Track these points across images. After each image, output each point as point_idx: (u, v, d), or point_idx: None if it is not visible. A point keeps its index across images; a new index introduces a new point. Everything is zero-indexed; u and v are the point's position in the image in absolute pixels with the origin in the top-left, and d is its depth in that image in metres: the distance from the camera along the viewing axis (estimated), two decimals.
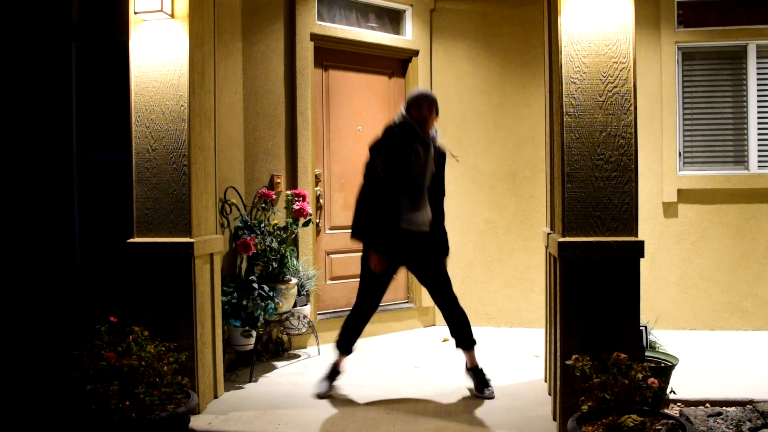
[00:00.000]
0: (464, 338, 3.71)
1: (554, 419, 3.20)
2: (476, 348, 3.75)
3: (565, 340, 2.99)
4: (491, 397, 3.58)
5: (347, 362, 3.84)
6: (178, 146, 3.35)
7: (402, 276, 5.14)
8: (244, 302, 3.92)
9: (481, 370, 3.70)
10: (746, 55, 5.07)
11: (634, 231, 2.98)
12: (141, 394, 2.79)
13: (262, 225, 4.27)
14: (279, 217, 4.49)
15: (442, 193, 3.77)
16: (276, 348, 4.56)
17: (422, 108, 3.57)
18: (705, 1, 5.10)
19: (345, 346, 3.78)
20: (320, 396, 3.64)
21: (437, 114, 3.66)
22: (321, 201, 4.97)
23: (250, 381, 3.95)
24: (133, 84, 3.39)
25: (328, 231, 5.04)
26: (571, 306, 2.98)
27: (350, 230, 3.61)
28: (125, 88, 3.46)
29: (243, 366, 4.20)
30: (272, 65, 4.63)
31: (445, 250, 3.74)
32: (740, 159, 5.11)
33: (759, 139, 5.06)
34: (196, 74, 3.41)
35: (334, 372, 3.77)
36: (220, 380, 3.67)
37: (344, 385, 3.84)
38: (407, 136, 3.54)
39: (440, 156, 3.71)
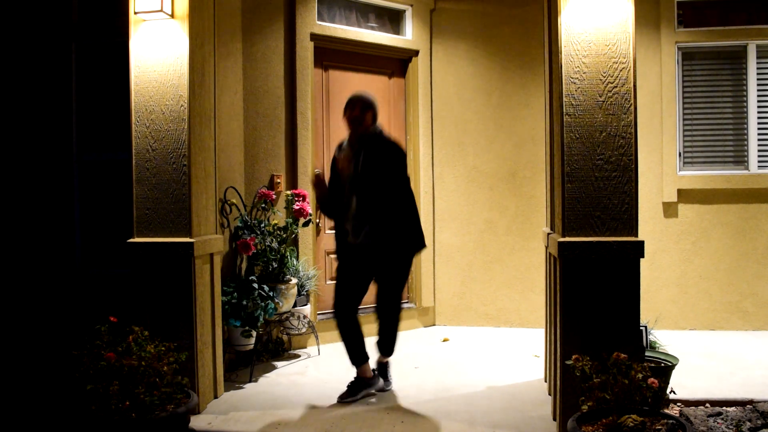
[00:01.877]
0: (388, 345, 3.75)
1: (554, 419, 3.20)
2: (392, 357, 3.82)
3: (565, 340, 2.99)
4: (385, 390, 3.69)
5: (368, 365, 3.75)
6: (178, 146, 3.35)
7: None
8: (244, 302, 3.92)
9: (388, 366, 3.79)
10: (746, 55, 5.06)
11: (634, 231, 2.98)
12: (141, 394, 2.79)
13: (262, 225, 4.27)
14: (279, 217, 4.49)
15: (388, 197, 3.49)
16: (276, 348, 4.56)
17: (347, 110, 3.55)
18: (705, 1, 5.10)
19: (355, 358, 3.66)
20: (342, 401, 3.55)
21: (371, 113, 3.54)
22: None
23: (250, 381, 3.95)
24: (133, 84, 3.39)
25: (328, 231, 5.04)
26: (571, 306, 2.98)
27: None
28: (125, 88, 3.46)
29: (243, 366, 4.20)
30: (272, 65, 4.63)
31: (410, 248, 3.61)
32: (740, 159, 5.11)
33: (759, 139, 5.06)
34: (196, 74, 3.41)
35: (361, 383, 3.63)
36: (220, 380, 3.67)
37: (344, 385, 3.83)
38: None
39: (377, 153, 3.49)
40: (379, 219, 3.49)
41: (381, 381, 3.74)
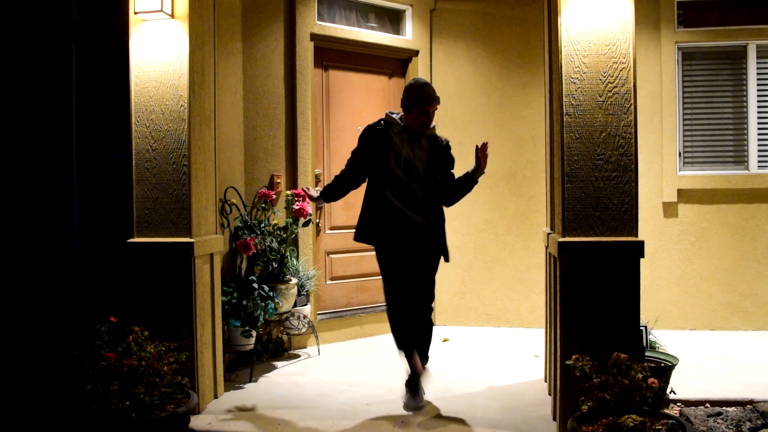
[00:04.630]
0: (422, 353, 3.60)
1: (554, 419, 3.20)
2: (427, 365, 3.64)
3: (565, 340, 2.99)
4: (420, 408, 3.42)
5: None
6: (178, 146, 3.35)
7: None
8: (244, 302, 3.92)
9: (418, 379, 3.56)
10: (746, 55, 5.06)
11: (634, 231, 2.98)
12: (141, 394, 2.79)
13: (262, 225, 4.27)
14: (279, 217, 4.49)
15: (443, 191, 3.58)
16: (276, 348, 4.56)
17: (431, 105, 3.46)
18: (705, 1, 5.10)
19: (401, 342, 3.53)
20: (412, 409, 3.40)
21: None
22: None
23: (250, 381, 3.95)
24: (133, 84, 3.39)
25: (328, 231, 5.04)
26: (571, 306, 2.98)
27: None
28: (125, 88, 3.46)
29: (243, 366, 4.20)
30: (272, 65, 4.63)
31: (442, 252, 3.60)
32: (740, 159, 5.11)
33: (759, 139, 5.06)
34: (196, 74, 3.41)
35: (413, 378, 3.50)
36: (220, 380, 3.67)
37: (344, 385, 3.84)
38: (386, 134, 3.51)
39: (438, 152, 3.55)
40: (438, 209, 3.56)
41: (414, 398, 3.47)
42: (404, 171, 3.47)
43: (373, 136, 3.51)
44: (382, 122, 3.54)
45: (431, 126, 3.53)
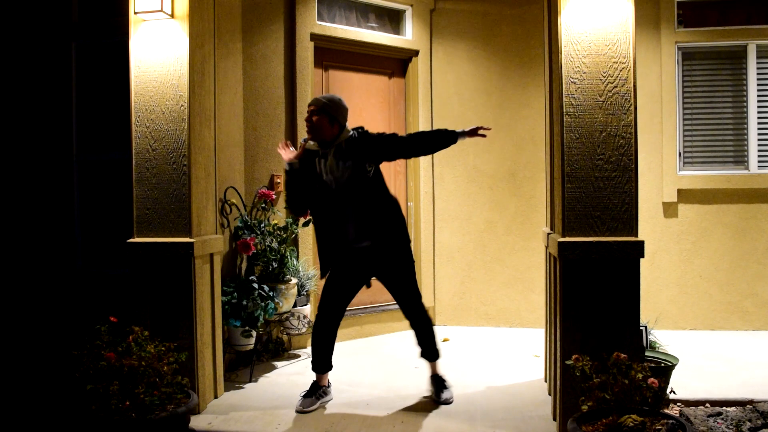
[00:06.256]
0: (429, 349, 3.62)
1: (554, 419, 3.20)
2: (441, 360, 3.65)
3: (565, 340, 2.99)
4: (448, 402, 3.49)
5: (335, 374, 3.65)
6: (178, 146, 3.35)
7: None
8: (244, 302, 3.92)
9: (442, 377, 3.61)
10: (746, 55, 5.06)
11: (634, 231, 2.98)
12: (141, 394, 2.79)
13: (262, 225, 4.28)
14: (279, 217, 4.49)
15: (382, 197, 3.42)
16: (276, 348, 4.56)
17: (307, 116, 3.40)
18: (705, 1, 5.10)
19: (320, 365, 3.55)
20: (300, 412, 3.38)
21: (331, 115, 3.34)
22: None
23: (250, 381, 3.95)
24: (133, 84, 3.39)
25: None
26: (571, 306, 2.99)
27: None
28: (125, 88, 3.46)
29: (243, 366, 4.20)
30: (272, 65, 4.63)
31: (405, 258, 3.46)
32: (740, 159, 5.11)
33: (759, 139, 5.06)
34: (196, 74, 3.41)
35: (316, 388, 3.52)
36: (220, 380, 3.67)
37: (344, 385, 3.84)
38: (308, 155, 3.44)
39: (362, 152, 3.35)
40: (387, 216, 3.42)
41: (442, 393, 3.54)
42: (336, 189, 3.36)
43: (302, 166, 3.40)
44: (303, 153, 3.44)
45: (336, 131, 3.37)
